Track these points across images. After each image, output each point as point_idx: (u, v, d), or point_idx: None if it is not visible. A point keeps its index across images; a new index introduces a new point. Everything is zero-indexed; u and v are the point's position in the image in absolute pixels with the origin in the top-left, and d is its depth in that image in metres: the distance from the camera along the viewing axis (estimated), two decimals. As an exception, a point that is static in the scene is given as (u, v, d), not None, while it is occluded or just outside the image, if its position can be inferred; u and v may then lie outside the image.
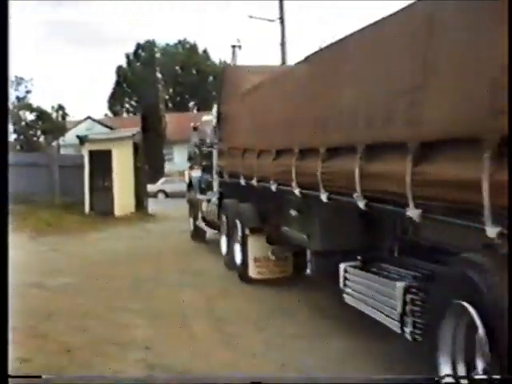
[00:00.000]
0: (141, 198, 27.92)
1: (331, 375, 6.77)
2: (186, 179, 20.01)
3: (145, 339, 8.43)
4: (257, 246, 11.55)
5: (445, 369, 5.02)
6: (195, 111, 68.89)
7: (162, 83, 63.25)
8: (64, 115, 44.94)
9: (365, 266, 7.38)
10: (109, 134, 35.55)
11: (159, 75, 67.47)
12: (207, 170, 16.44)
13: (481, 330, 4.42)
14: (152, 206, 28.88)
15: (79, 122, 54.10)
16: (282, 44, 32.58)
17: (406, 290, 5.99)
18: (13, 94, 37.63)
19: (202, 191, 17.09)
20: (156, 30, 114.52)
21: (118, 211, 26.13)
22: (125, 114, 77.04)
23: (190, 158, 19.25)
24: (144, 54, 77.19)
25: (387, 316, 6.38)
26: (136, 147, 28.11)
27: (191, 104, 77.22)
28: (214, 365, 7.31)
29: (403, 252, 7.17)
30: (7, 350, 4.80)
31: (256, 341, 8.23)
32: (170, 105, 71.49)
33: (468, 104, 4.70)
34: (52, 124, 40.96)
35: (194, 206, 18.39)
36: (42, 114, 39.26)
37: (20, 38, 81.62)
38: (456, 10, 5.05)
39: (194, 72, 77.44)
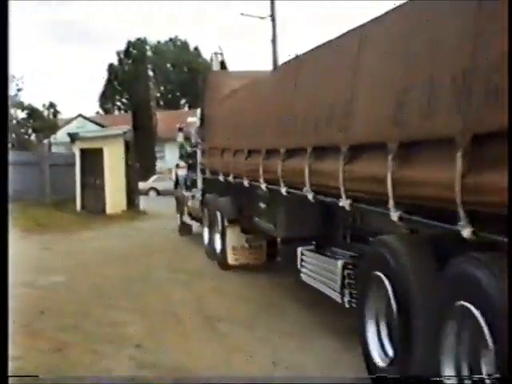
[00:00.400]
0: (132, 195, 27.92)
1: (330, 375, 6.85)
2: (173, 177, 21.32)
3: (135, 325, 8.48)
4: (234, 235, 12.96)
5: (370, 326, 6.40)
6: (186, 109, 68.79)
7: (153, 81, 63.13)
8: (55, 113, 44.87)
9: (317, 249, 8.83)
10: (100, 132, 35.54)
11: (150, 73, 67.38)
12: (192, 168, 17.58)
13: (390, 293, 5.82)
14: (143, 203, 28.89)
15: (70, 120, 54.01)
16: (273, 41, 32.65)
17: (344, 267, 7.38)
18: (4, 92, 37.65)
19: (188, 188, 18.13)
20: (147, 28, 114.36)
21: (109, 209, 26.15)
22: (116, 112, 76.92)
23: (181, 157, 19.92)
24: (135, 51, 77.08)
25: (331, 289, 7.73)
26: (127, 145, 28.10)
27: (182, 102, 77.14)
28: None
29: (348, 237, 8.43)
30: (7, 350, 4.84)
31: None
32: (161, 102, 71.38)
33: (378, 116, 6.07)
34: (43, 122, 40.86)
35: (180, 202, 19.41)
36: (33, 112, 39.15)
37: (10, 36, 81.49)
38: (376, 39, 6.53)
39: (186, 70, 77.31)
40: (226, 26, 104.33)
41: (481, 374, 4.65)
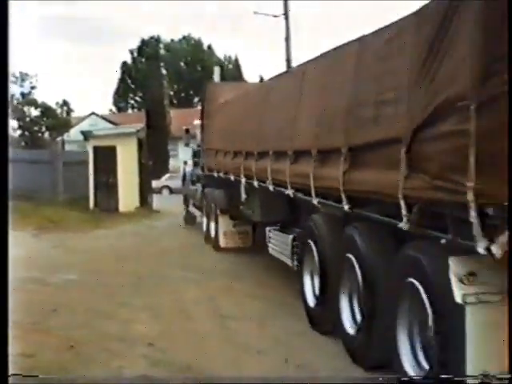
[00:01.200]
0: (145, 194, 27.94)
1: (330, 375, 6.82)
2: (181, 173, 24.76)
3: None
4: (225, 222, 15.59)
5: (306, 281, 9.01)
6: (200, 107, 68.82)
7: (167, 79, 63.18)
8: (69, 111, 45.01)
9: (281, 229, 11.42)
10: (113, 130, 35.57)
11: (164, 71, 67.43)
12: (197, 165, 20.26)
13: (315, 253, 8.50)
14: (156, 202, 28.91)
15: (84, 118, 54.12)
16: (287, 39, 32.57)
17: (293, 239, 10.11)
18: (17, 90, 37.63)
19: (193, 183, 20.81)
20: (160, 26, 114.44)
21: (122, 207, 26.18)
22: (129, 110, 77.03)
23: (194, 155, 21.43)
24: (148, 49, 77.17)
25: (285, 256, 10.53)
26: (140, 143, 28.13)
27: (196, 100, 77.18)
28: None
29: (301, 218, 10.28)
30: (7, 350, 4.82)
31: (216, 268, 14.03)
32: (174, 101, 71.42)
33: (308, 131, 8.72)
34: (57, 120, 40.96)
35: (187, 195, 22.46)
36: (46, 110, 39.23)
37: (24, 33, 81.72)
38: (313, 74, 9.13)
39: (199, 68, 77.30)
40: (240, 25, 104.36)
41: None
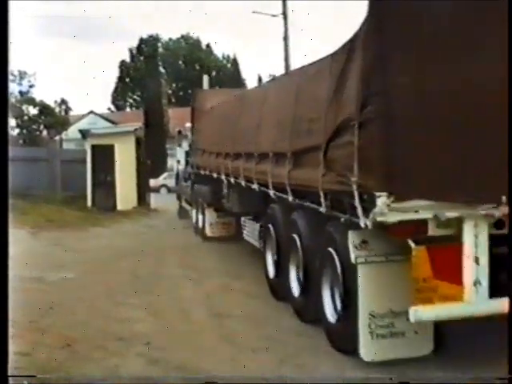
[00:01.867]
0: (143, 192, 27.96)
1: (331, 375, 6.83)
2: (174, 171, 27.33)
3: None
4: (210, 215, 17.62)
5: (268, 257, 11.10)
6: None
7: (165, 78, 63.17)
8: (67, 109, 45.01)
9: (252, 218, 13.52)
10: (111, 129, 35.57)
11: (162, 70, 67.44)
12: (188, 164, 22.17)
13: (273, 235, 10.74)
14: (154, 200, 28.91)
15: (82, 117, 54.08)
16: (285, 39, 32.61)
17: (260, 226, 12.30)
18: (16, 89, 37.64)
19: (185, 180, 22.64)
20: (159, 25, 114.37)
21: (120, 206, 26.17)
22: (128, 109, 77.02)
23: (186, 155, 23.37)
24: (147, 48, 77.15)
25: (254, 240, 12.91)
26: (138, 142, 28.14)
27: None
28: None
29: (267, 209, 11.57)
30: (7, 351, 4.82)
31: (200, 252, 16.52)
32: (172, 100, 71.43)
33: (267, 138, 10.73)
34: (55, 118, 40.94)
35: (180, 192, 24.74)
36: (44, 109, 39.20)
37: (22, 32, 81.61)
38: (278, 91, 11.15)
39: (197, 67, 77.33)
40: (239, 24, 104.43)
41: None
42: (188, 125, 22.28)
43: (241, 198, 13.86)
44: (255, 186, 11.57)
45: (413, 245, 6.38)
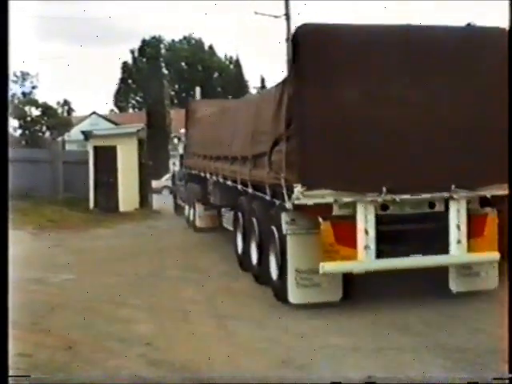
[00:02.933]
0: (145, 194, 27.93)
1: (332, 375, 6.83)
2: (171, 173, 30.20)
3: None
4: (199, 208, 20.18)
5: (238, 237, 13.59)
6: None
7: (168, 79, 63.18)
8: (69, 110, 45.03)
9: (229, 209, 15.84)
10: (114, 130, 35.58)
11: (165, 71, 67.45)
12: (182, 166, 24.83)
13: (240, 220, 13.54)
14: (156, 202, 28.91)
15: (84, 118, 54.11)
16: (288, 40, 32.56)
17: (233, 215, 14.59)
18: (18, 90, 37.65)
19: (180, 180, 25.22)
20: (162, 26, 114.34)
21: (122, 207, 26.17)
22: (130, 110, 77.05)
23: (181, 157, 25.96)
24: (149, 50, 77.19)
25: (230, 225, 15.30)
26: (141, 143, 28.12)
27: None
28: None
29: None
30: (7, 351, 4.81)
31: (189, 239, 19.55)
32: (175, 101, 71.44)
33: (244, 143, 12.66)
34: (57, 119, 40.95)
35: (176, 190, 27.27)
36: (47, 110, 39.19)
37: (25, 33, 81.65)
38: (244, 108, 14.07)
39: (200, 68, 77.35)
40: (241, 25, 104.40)
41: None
42: (182, 131, 24.93)
43: (220, 193, 16.77)
44: (229, 183, 14.46)
45: (321, 221, 9.33)
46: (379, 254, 9.32)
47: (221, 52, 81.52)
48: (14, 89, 36.38)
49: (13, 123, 35.71)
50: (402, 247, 9.51)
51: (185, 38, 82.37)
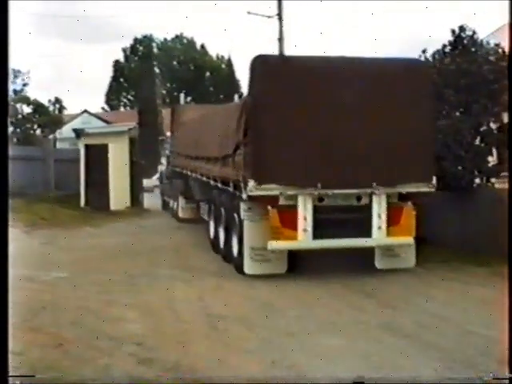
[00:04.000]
0: (136, 192, 27.93)
1: (330, 375, 6.86)
2: (159, 172, 32.12)
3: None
4: (182, 201, 23.37)
5: (211, 223, 16.36)
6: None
7: (160, 78, 63.09)
8: (61, 108, 44.85)
9: (206, 202, 17.91)
10: (105, 128, 35.59)
11: (156, 70, 67.34)
12: (169, 165, 27.15)
13: (212, 210, 16.44)
14: (147, 201, 28.90)
15: (76, 116, 53.97)
16: (280, 40, 32.60)
17: (207, 206, 17.27)
18: (10, 87, 37.44)
19: (167, 178, 27.59)
20: (154, 25, 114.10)
21: (113, 206, 26.15)
22: (122, 109, 76.88)
23: (167, 157, 28.37)
24: (141, 48, 77.04)
25: (206, 215, 17.67)
26: (132, 142, 28.11)
27: (188, 99, 77.21)
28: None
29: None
30: (7, 351, 4.80)
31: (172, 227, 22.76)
32: (167, 100, 71.32)
33: (215, 145, 15.47)
34: (49, 117, 40.82)
35: (163, 188, 29.74)
36: (38, 107, 39.09)
37: (16, 31, 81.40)
38: (213, 116, 17.51)
39: (192, 67, 77.25)
40: (234, 25, 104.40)
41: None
42: (168, 133, 28.19)
43: (199, 188, 19.40)
44: (205, 179, 16.98)
45: (270, 209, 12.00)
46: (315, 236, 12.05)
47: (213, 51, 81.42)
48: (6, 86, 36.26)
49: (4, 121, 35.64)
50: (334, 231, 12.05)
51: (177, 36, 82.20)
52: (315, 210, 12.05)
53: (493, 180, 15.64)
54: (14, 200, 21.91)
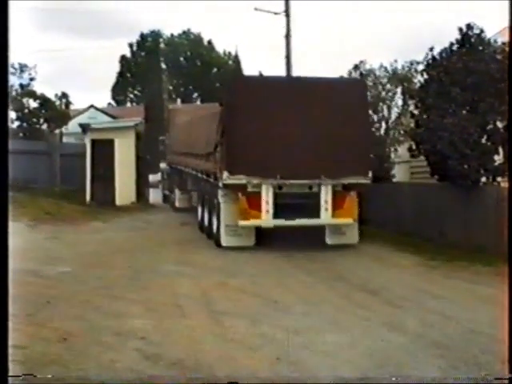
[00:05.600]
0: (142, 188, 27.95)
1: (332, 375, 6.85)
2: (160, 169, 33.92)
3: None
4: (178, 193, 26.93)
5: (199, 209, 19.95)
6: (199, 102, 68.62)
7: (166, 74, 63.03)
8: (67, 103, 44.70)
9: (196, 192, 22.32)
10: (112, 124, 35.51)
11: (163, 66, 67.29)
12: (167, 161, 30.50)
13: (200, 198, 20.29)
14: (153, 196, 28.90)
15: (82, 111, 53.91)
16: (287, 37, 32.51)
17: (197, 195, 21.77)
18: (16, 82, 37.44)
19: (167, 174, 30.61)
20: (161, 21, 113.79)
21: (118, 201, 26.20)
22: (128, 104, 76.82)
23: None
24: (148, 44, 76.94)
25: (196, 204, 21.91)
26: (138, 137, 28.12)
27: (195, 95, 77.13)
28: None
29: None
30: (7, 351, 4.79)
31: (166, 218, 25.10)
32: (173, 95, 71.24)
33: (202, 144, 18.88)
34: (55, 112, 40.72)
35: (163, 182, 32.43)
36: (45, 102, 38.96)
37: (24, 25, 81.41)
38: (201, 119, 21.09)
39: (199, 63, 77.10)
40: (241, 21, 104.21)
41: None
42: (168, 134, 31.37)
43: (191, 181, 23.50)
44: (195, 173, 20.48)
45: (240, 195, 15.34)
46: (275, 216, 15.41)
47: (220, 47, 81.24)
48: (12, 80, 36.12)
49: (10, 115, 35.56)
50: (290, 212, 15.33)
51: (184, 32, 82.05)
52: (275, 196, 15.44)
53: (499, 179, 15.64)
54: (19, 194, 21.98)
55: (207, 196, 18.36)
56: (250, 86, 16.38)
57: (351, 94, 16.40)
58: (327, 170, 15.47)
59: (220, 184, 15.76)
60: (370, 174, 16.04)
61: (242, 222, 15.43)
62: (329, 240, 16.60)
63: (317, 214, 15.54)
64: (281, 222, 15.36)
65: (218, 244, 16.19)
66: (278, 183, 15.38)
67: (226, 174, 15.30)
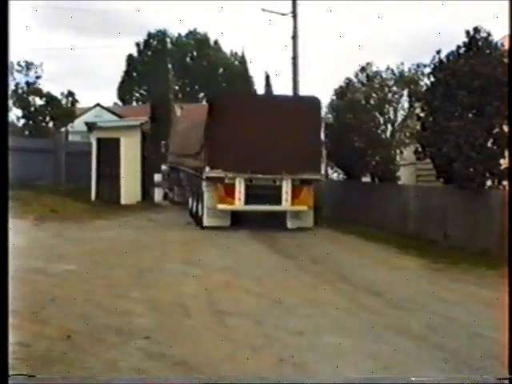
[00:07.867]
0: (147, 187, 27.96)
1: (332, 375, 6.84)
2: (162, 169, 34.96)
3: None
4: (176, 189, 30.20)
5: (190, 200, 24.29)
6: (205, 102, 68.56)
7: (172, 73, 62.96)
8: (73, 101, 44.70)
9: (189, 186, 25.84)
10: (117, 122, 35.58)
11: (169, 65, 67.18)
12: (168, 161, 33.98)
13: (193, 191, 24.06)
14: (158, 195, 28.92)
15: (88, 109, 53.92)
16: (294, 37, 32.50)
17: (190, 189, 25.21)
18: (22, 79, 37.47)
19: (168, 174, 32.48)
20: (167, 20, 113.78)
21: (124, 200, 26.23)
22: (134, 103, 76.82)
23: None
24: (155, 43, 76.93)
25: (190, 198, 25.03)
26: (144, 136, 28.13)
27: (201, 95, 77.12)
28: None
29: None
30: (7, 351, 4.80)
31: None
32: (179, 95, 71.23)
33: (195, 144, 23.05)
34: (61, 110, 40.75)
35: (164, 183, 32.88)
36: (51, 100, 39.01)
37: (30, 23, 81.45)
38: (194, 119, 25.97)
39: (205, 63, 77.10)
40: (248, 22, 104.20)
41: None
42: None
43: (186, 178, 26.45)
44: (187, 169, 24.40)
45: (219, 185, 19.86)
46: (246, 203, 19.75)
47: (226, 48, 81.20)
48: (18, 78, 36.17)
49: (16, 113, 35.62)
50: (258, 200, 19.71)
51: (190, 32, 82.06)
52: (247, 187, 19.82)
53: (504, 182, 15.60)
54: (24, 192, 22.01)
55: (195, 188, 22.67)
56: (229, 101, 21.10)
57: (307, 108, 20.89)
58: (288, 168, 19.94)
59: (203, 176, 20.20)
60: (322, 172, 23.04)
61: (220, 206, 19.82)
62: (289, 224, 20.92)
63: (279, 202, 20.02)
64: (250, 207, 20.02)
65: (201, 224, 20.49)
66: (249, 177, 19.84)
67: (207, 169, 19.91)
